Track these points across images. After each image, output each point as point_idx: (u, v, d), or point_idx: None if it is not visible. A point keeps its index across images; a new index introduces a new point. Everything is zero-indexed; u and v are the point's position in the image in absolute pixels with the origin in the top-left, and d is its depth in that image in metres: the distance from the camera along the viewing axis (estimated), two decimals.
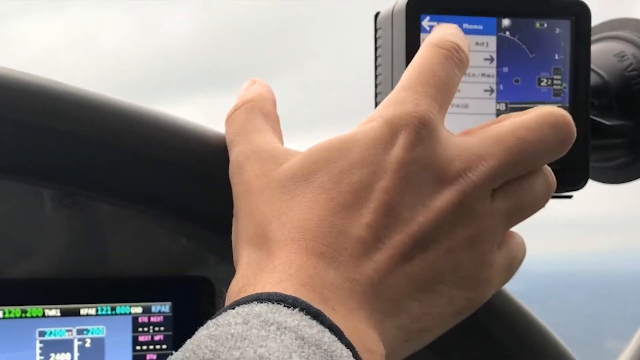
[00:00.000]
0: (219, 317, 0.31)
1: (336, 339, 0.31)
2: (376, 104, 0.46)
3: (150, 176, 0.47)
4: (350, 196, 0.35)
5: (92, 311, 0.50)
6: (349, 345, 0.31)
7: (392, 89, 0.44)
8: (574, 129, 0.38)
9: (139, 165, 0.46)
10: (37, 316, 0.49)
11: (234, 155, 0.39)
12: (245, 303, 0.32)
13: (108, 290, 0.50)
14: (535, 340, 0.55)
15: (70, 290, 0.50)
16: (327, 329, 0.31)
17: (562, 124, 0.38)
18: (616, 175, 0.53)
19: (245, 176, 0.38)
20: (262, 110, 0.40)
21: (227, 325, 0.30)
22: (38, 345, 0.49)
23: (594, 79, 0.51)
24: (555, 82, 0.45)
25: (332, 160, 0.35)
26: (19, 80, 0.43)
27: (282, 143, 0.40)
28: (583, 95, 0.45)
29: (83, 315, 0.50)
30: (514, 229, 0.40)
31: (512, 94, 0.44)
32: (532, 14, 0.44)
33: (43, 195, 0.50)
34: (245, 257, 0.36)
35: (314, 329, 0.30)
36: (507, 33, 0.44)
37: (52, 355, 0.49)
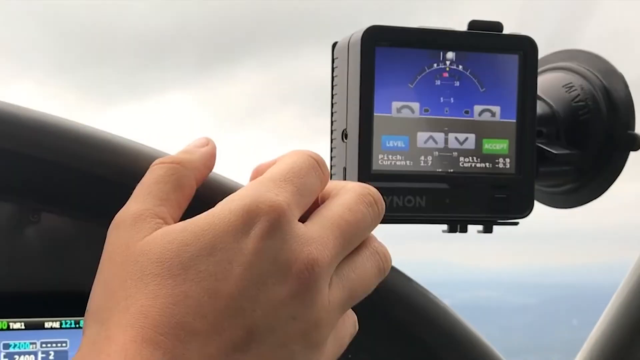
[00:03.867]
0: None
1: None
2: (332, 132, 0.48)
3: (104, 194, 0.49)
4: (194, 285, 0.34)
5: (57, 325, 0.51)
6: None
7: (346, 115, 0.46)
8: (384, 204, 0.40)
9: (95, 185, 0.49)
10: (1, 329, 0.50)
11: (123, 209, 0.39)
12: None
13: (72, 304, 0.52)
14: (460, 339, 0.57)
15: (35, 303, 0.51)
16: None
17: (376, 200, 0.39)
18: (564, 200, 0.55)
19: (115, 241, 0.37)
20: (179, 180, 0.39)
21: None
22: (2, 357, 0.50)
23: (543, 108, 0.53)
24: (502, 114, 0.47)
25: (184, 244, 0.35)
26: None
27: (177, 219, 0.39)
28: (529, 126, 0.47)
29: (47, 329, 0.51)
30: None
31: (461, 125, 0.46)
32: (482, 48, 0.46)
33: (10, 210, 0.52)
34: (88, 334, 0.36)
35: None
36: (460, 67, 0.46)
37: None
